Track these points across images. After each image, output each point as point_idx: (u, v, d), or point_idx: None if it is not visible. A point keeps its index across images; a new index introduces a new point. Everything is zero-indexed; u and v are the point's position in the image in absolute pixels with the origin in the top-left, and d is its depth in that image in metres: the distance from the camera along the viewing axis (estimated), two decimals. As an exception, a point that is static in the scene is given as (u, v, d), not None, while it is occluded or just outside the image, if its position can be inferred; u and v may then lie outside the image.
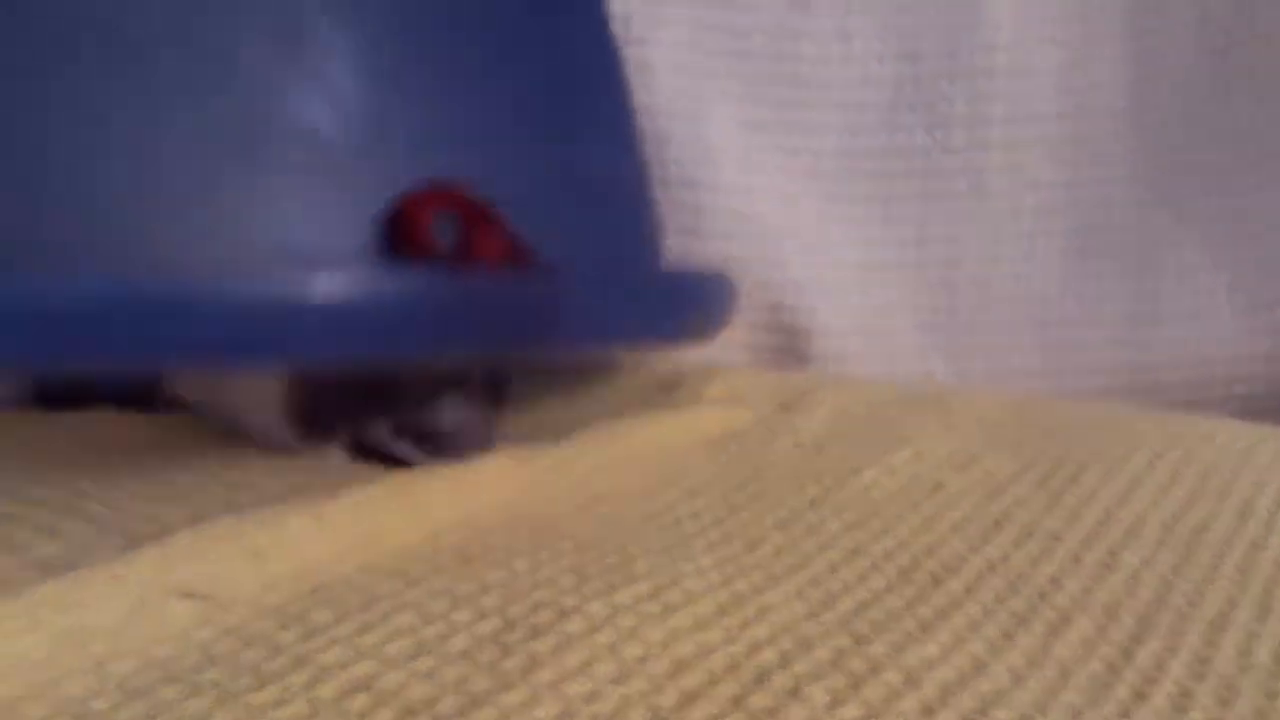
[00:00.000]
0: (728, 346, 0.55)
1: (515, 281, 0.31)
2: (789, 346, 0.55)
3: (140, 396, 0.44)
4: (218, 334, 0.28)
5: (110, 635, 0.25)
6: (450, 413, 0.37)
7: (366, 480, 0.32)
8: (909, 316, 0.56)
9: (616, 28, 0.52)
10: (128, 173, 0.30)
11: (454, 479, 0.32)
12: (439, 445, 0.38)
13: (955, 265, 0.56)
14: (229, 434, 0.38)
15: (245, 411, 0.37)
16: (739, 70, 0.55)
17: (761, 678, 0.25)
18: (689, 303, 0.38)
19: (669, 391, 0.44)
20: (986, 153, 0.55)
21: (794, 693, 0.24)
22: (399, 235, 0.31)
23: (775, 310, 0.55)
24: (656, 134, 0.54)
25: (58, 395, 0.45)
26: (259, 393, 0.37)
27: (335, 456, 0.36)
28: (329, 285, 0.28)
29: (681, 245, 0.55)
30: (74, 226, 0.30)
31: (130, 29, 0.31)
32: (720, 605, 0.28)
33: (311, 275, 0.28)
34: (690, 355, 0.54)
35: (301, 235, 0.31)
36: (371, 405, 0.38)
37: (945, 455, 0.40)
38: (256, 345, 0.28)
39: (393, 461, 0.36)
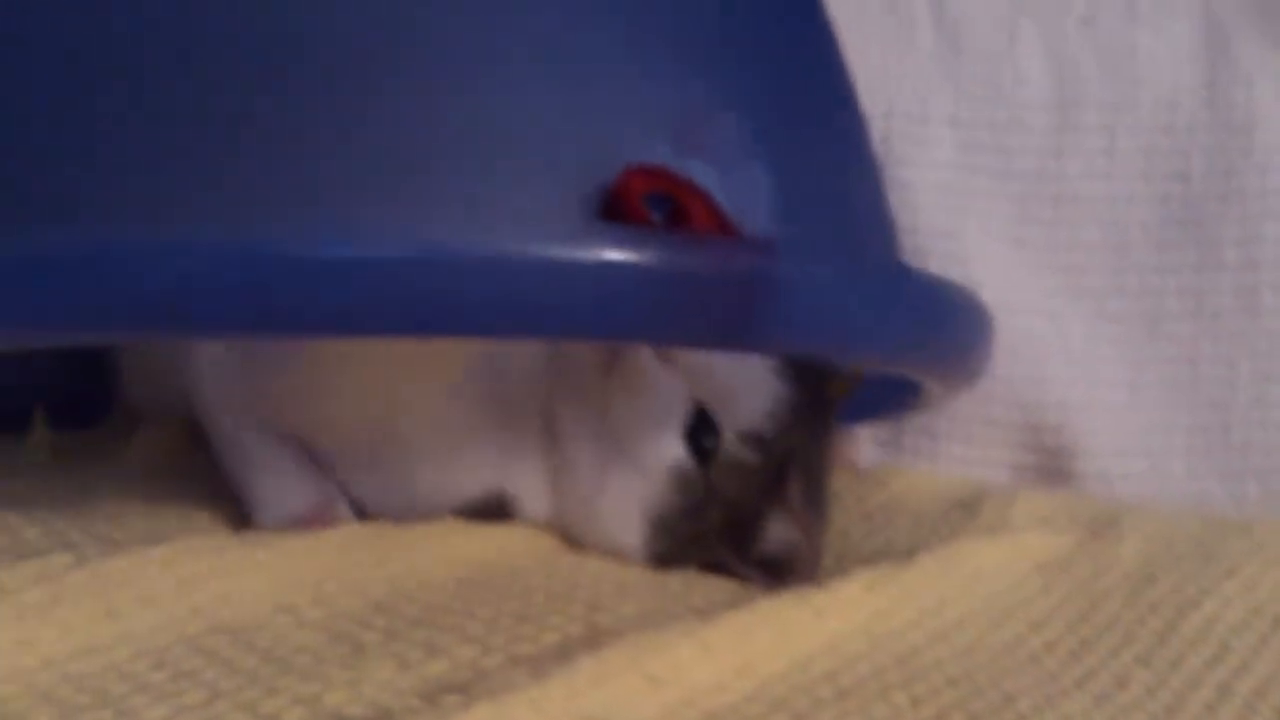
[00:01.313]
0: (990, 465, 0.55)
1: (736, 248, 0.30)
2: (1052, 466, 0.54)
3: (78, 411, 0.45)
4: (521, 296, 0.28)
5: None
6: (779, 535, 0.37)
7: (736, 605, 0.32)
8: (1180, 437, 0.54)
9: (877, 148, 0.53)
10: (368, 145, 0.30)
11: (814, 605, 0.32)
12: (773, 568, 0.38)
13: (1228, 384, 0.54)
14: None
15: (605, 534, 0.38)
16: (1003, 189, 0.55)
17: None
18: (933, 308, 0.34)
19: (971, 513, 0.43)
20: (1258, 271, 0.54)
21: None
22: (612, 215, 0.30)
23: (1038, 430, 0.54)
24: (917, 250, 0.54)
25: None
26: (619, 519, 0.38)
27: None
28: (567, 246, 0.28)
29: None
30: (335, 191, 0.30)
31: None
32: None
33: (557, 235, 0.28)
34: (958, 474, 0.53)
35: (521, 211, 0.30)
36: (718, 533, 0.38)
37: (1273, 586, 0.39)
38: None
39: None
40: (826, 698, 0.29)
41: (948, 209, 0.55)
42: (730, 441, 0.38)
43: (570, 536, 0.40)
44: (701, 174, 0.31)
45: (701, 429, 0.38)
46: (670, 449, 0.38)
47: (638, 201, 0.30)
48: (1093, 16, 0.56)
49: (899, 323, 0.33)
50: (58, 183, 0.31)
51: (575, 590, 0.35)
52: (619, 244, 0.28)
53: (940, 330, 0.35)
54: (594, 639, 0.30)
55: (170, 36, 0.31)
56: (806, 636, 0.32)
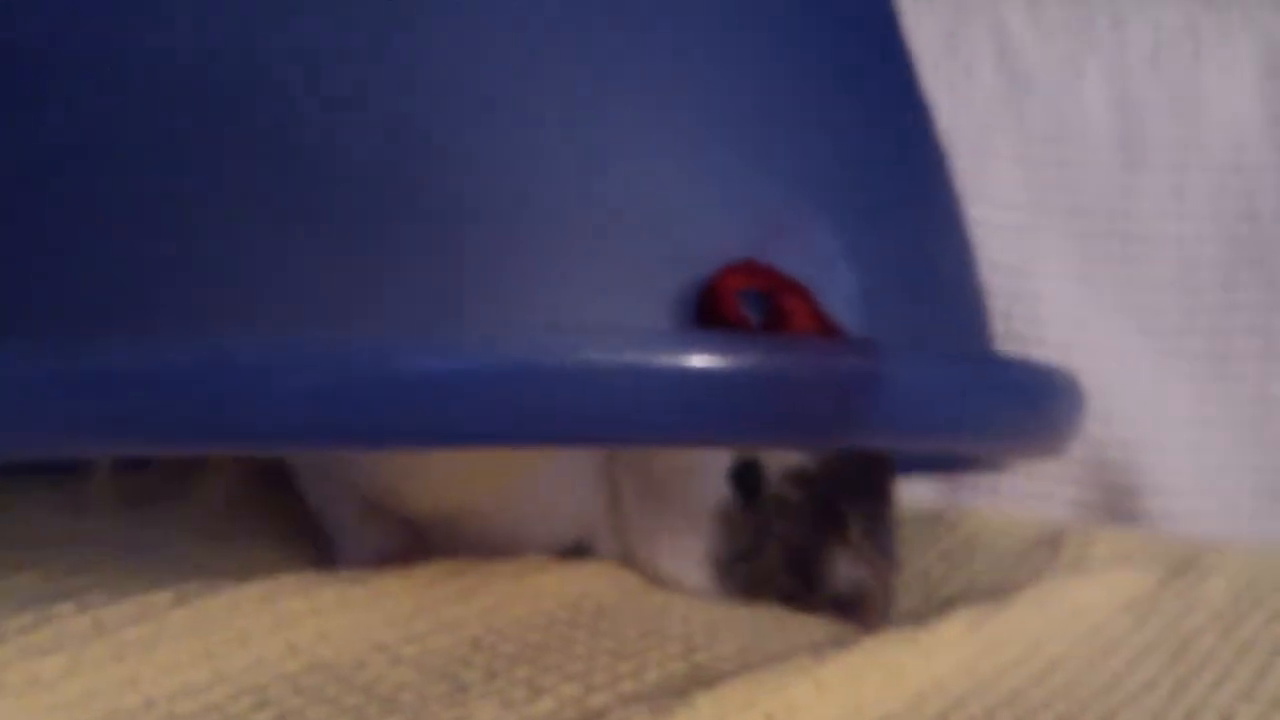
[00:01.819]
0: (1054, 501, 0.54)
1: (834, 349, 0.29)
2: (1118, 505, 0.54)
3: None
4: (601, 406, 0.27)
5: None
6: (844, 573, 0.37)
7: (842, 643, 0.32)
8: (1246, 476, 0.54)
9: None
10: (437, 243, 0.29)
11: (920, 645, 0.32)
12: (844, 607, 0.37)
13: (1297, 424, 0.54)
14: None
15: (672, 578, 0.38)
16: (1071, 227, 0.55)
17: None
18: (1031, 395, 0.34)
19: (1053, 551, 0.43)
20: (1326, 310, 0.54)
21: None
22: (706, 314, 0.29)
23: (1103, 467, 0.54)
24: (985, 289, 0.54)
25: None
26: (679, 563, 0.38)
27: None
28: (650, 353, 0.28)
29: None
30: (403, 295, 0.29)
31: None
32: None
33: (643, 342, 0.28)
34: (1021, 510, 0.53)
35: (607, 314, 0.29)
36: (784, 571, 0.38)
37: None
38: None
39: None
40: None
41: (1015, 247, 0.55)
42: (776, 480, 0.38)
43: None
44: (798, 268, 0.31)
45: (746, 469, 0.38)
46: (715, 491, 0.38)
47: (733, 300, 0.29)
48: (1158, 55, 0.57)
49: (997, 413, 0.33)
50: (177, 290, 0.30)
51: (667, 627, 0.35)
52: (710, 350, 0.28)
53: (1037, 417, 0.35)
54: (701, 677, 0.30)
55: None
56: (915, 676, 0.31)
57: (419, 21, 0.31)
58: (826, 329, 0.30)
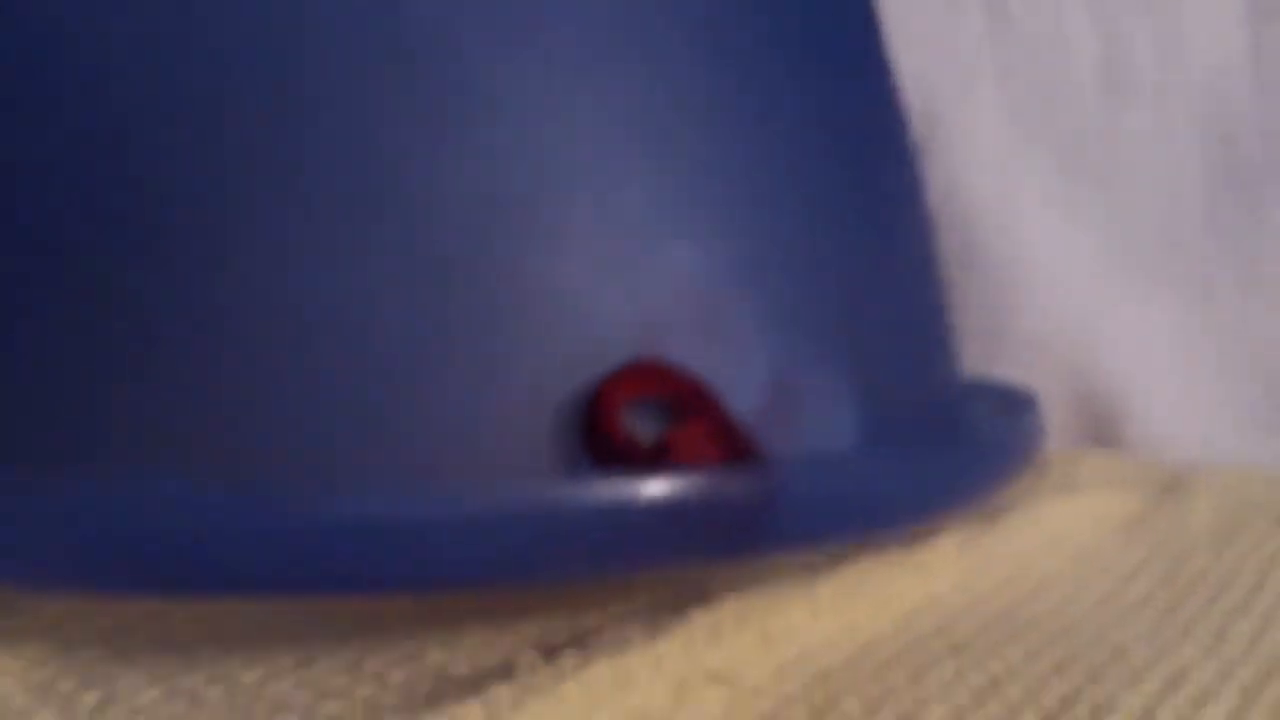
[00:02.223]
0: (1036, 431, 0.54)
1: (720, 483, 0.26)
2: (1102, 433, 0.54)
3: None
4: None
5: (663, 717, 0.25)
6: None
7: (837, 561, 0.31)
8: (1228, 405, 0.54)
9: (918, 123, 0.52)
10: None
11: (912, 563, 0.32)
12: None
13: (1277, 354, 0.54)
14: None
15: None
16: (1054, 156, 0.55)
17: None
18: (962, 473, 0.32)
19: (1038, 473, 0.43)
20: (1309, 237, 0.54)
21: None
22: (592, 432, 0.26)
23: (1088, 397, 0.54)
24: (964, 216, 0.53)
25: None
26: None
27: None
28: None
29: (989, 330, 0.54)
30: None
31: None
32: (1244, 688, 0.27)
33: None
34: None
35: (478, 444, 0.26)
36: None
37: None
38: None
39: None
40: (939, 653, 0.29)
41: (996, 178, 0.55)
42: None
43: None
44: (705, 353, 0.27)
45: None
46: None
47: (618, 419, 0.26)
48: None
49: (920, 501, 0.30)
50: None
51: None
52: (573, 496, 0.25)
53: (978, 488, 0.32)
54: (692, 596, 0.30)
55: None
56: (908, 595, 0.31)
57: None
58: (728, 444, 0.26)
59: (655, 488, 0.25)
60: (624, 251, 0.27)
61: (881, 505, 0.29)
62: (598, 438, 0.26)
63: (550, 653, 0.26)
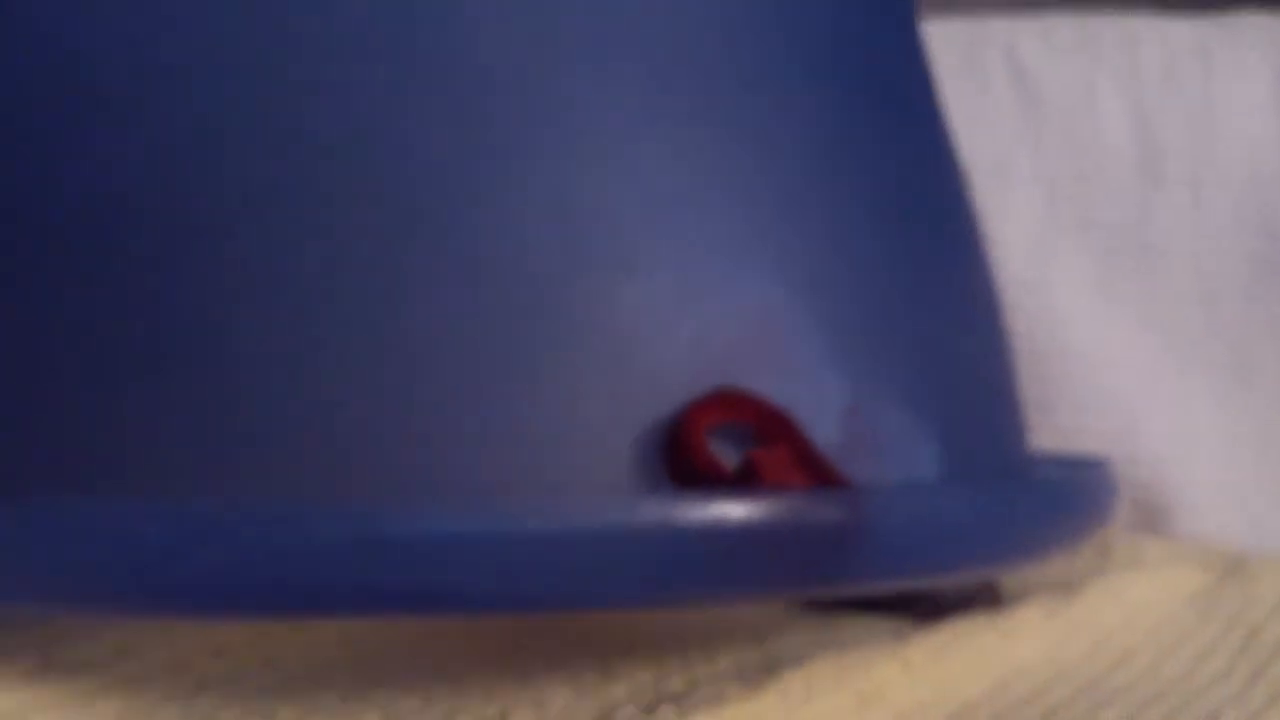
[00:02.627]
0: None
1: (807, 506, 0.25)
2: (1146, 520, 0.53)
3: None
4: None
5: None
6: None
7: (930, 630, 0.31)
8: (1274, 490, 0.54)
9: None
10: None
11: (1001, 629, 0.31)
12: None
13: (1323, 436, 0.54)
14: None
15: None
16: (1089, 242, 0.55)
17: None
18: (1048, 515, 0.30)
19: (1104, 554, 0.42)
20: (1345, 322, 0.54)
21: None
22: (675, 459, 0.26)
23: (1132, 485, 0.54)
24: (1006, 305, 0.53)
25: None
26: None
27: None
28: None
29: (1031, 420, 0.54)
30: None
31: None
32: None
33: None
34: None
35: (557, 468, 0.26)
36: None
37: None
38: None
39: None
40: (1045, 710, 0.28)
41: (1033, 263, 0.55)
42: None
43: None
44: (782, 385, 0.27)
45: None
46: None
47: (703, 443, 0.26)
48: (1170, 72, 0.57)
49: (1009, 542, 0.29)
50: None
51: (733, 621, 0.34)
52: (653, 515, 0.24)
53: (1057, 532, 0.31)
54: (781, 659, 0.29)
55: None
56: (998, 661, 0.30)
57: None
58: (811, 470, 0.26)
59: (747, 508, 0.24)
60: (697, 281, 0.27)
61: (974, 538, 0.27)
62: (681, 461, 0.25)
63: (646, 709, 0.26)
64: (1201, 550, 0.45)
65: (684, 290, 0.27)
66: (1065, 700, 0.29)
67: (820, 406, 0.28)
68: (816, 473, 0.26)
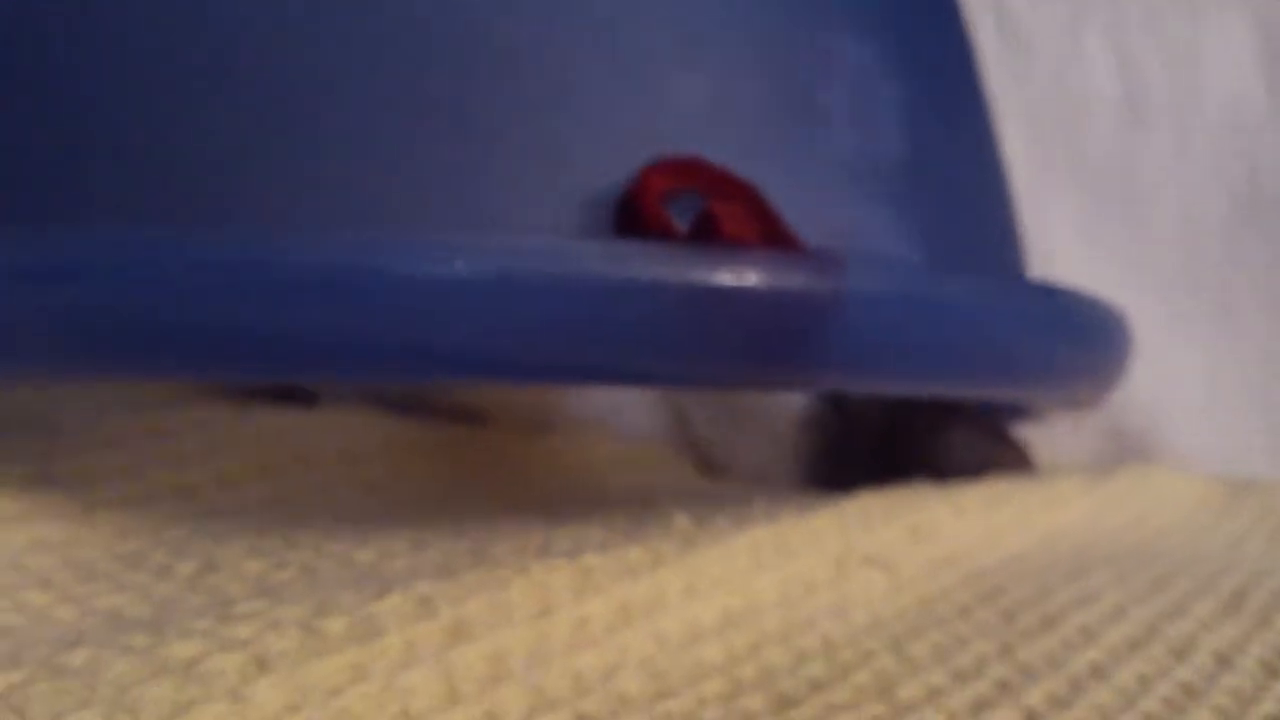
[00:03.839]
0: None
1: (774, 261, 0.22)
2: (1132, 461, 0.53)
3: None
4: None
5: (823, 590, 0.23)
6: (964, 452, 0.35)
7: (972, 483, 0.29)
8: (1259, 437, 0.54)
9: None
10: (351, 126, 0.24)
11: (1042, 491, 0.30)
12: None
13: (1305, 382, 0.54)
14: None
15: (747, 450, 0.35)
16: (1076, 184, 0.55)
17: None
18: (1047, 325, 0.28)
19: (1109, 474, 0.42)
20: (1328, 270, 0.54)
21: None
22: (625, 223, 0.23)
23: (1118, 429, 0.53)
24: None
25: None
26: (764, 435, 0.35)
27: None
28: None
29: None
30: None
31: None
32: None
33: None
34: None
35: (510, 210, 0.23)
36: (883, 450, 0.35)
37: None
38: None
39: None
40: (1079, 569, 0.27)
41: (1022, 207, 0.54)
42: None
43: None
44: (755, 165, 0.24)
45: None
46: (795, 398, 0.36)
47: (655, 204, 0.23)
48: (1155, 18, 0.57)
49: (1003, 347, 0.26)
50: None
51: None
52: (578, 261, 0.22)
53: (1056, 352, 0.28)
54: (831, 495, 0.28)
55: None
56: (1042, 519, 0.30)
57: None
58: (774, 237, 0.23)
59: (702, 261, 0.21)
60: (659, 57, 0.25)
61: (969, 333, 0.24)
62: (633, 223, 0.23)
63: (706, 516, 0.24)
64: (1205, 474, 0.44)
65: (643, 69, 0.25)
66: (1109, 557, 0.29)
67: (785, 185, 0.24)
68: (776, 232, 0.23)
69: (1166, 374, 0.55)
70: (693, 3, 0.26)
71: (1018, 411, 0.41)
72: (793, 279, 0.22)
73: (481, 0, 0.25)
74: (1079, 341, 0.29)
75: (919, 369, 0.24)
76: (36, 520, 0.24)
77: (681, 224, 0.23)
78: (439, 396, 0.37)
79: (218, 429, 0.28)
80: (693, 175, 0.24)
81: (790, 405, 0.36)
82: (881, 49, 0.29)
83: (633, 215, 0.23)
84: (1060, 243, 0.55)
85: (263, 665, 0.17)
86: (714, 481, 0.34)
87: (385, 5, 0.24)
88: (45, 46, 0.26)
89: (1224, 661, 0.22)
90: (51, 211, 0.25)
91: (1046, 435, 0.54)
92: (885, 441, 0.36)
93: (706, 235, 0.22)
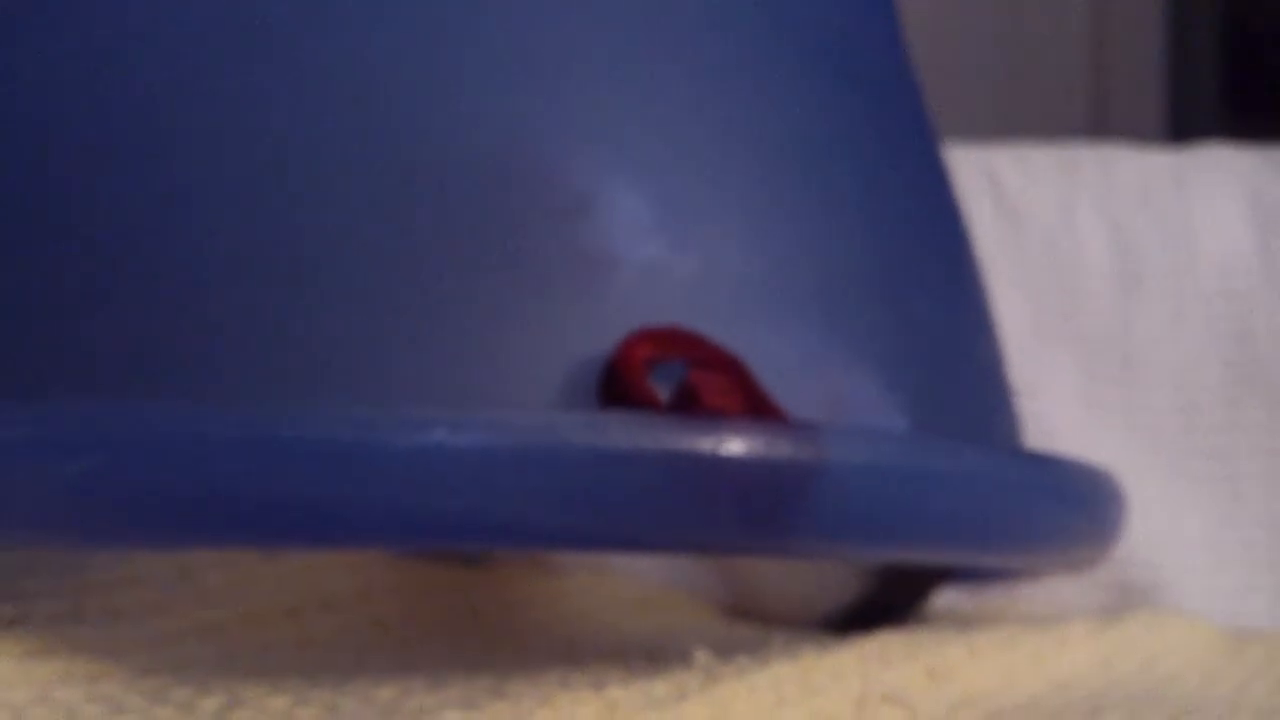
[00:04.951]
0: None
1: (751, 430, 0.22)
2: (1137, 622, 0.53)
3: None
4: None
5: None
6: None
7: (982, 627, 0.30)
8: (1264, 598, 0.54)
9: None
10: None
11: (1056, 636, 0.31)
12: None
13: (1309, 544, 0.54)
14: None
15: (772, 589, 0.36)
16: (1074, 351, 0.56)
17: None
18: (1037, 493, 0.27)
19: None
20: (1328, 429, 0.55)
21: None
22: (610, 392, 0.24)
23: (1125, 590, 0.53)
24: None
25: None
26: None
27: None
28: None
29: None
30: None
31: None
32: None
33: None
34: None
35: (492, 381, 0.24)
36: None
37: None
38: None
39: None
40: (1103, 709, 0.27)
41: (1022, 372, 0.55)
42: None
43: None
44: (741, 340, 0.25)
45: None
46: None
47: (638, 373, 0.23)
48: (1146, 191, 0.59)
49: (987, 514, 0.25)
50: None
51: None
52: (562, 434, 0.22)
53: (1044, 519, 0.28)
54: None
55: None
56: (1055, 663, 0.30)
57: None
58: (755, 407, 0.23)
59: (684, 432, 0.21)
60: (651, 220, 0.26)
61: (954, 501, 0.24)
62: (616, 393, 0.23)
63: (728, 651, 0.24)
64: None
65: (637, 228, 0.26)
66: (1123, 700, 0.29)
67: (773, 357, 0.25)
68: (758, 402, 0.23)
69: (1169, 533, 0.55)
70: (680, 175, 0.27)
71: (1011, 571, 0.41)
72: (771, 449, 0.22)
73: (476, 180, 0.26)
74: (1061, 507, 0.29)
75: (901, 538, 0.24)
76: (64, 655, 0.24)
77: (664, 392, 0.23)
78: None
79: (243, 569, 0.28)
80: (675, 344, 0.24)
81: None
82: (869, 221, 0.30)
83: (616, 384, 0.24)
84: (1062, 407, 0.56)
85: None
86: (731, 624, 0.34)
87: (379, 191, 0.26)
88: (46, 218, 0.27)
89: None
90: (51, 384, 0.25)
91: (1051, 590, 0.55)
92: None
93: (687, 405, 0.23)
